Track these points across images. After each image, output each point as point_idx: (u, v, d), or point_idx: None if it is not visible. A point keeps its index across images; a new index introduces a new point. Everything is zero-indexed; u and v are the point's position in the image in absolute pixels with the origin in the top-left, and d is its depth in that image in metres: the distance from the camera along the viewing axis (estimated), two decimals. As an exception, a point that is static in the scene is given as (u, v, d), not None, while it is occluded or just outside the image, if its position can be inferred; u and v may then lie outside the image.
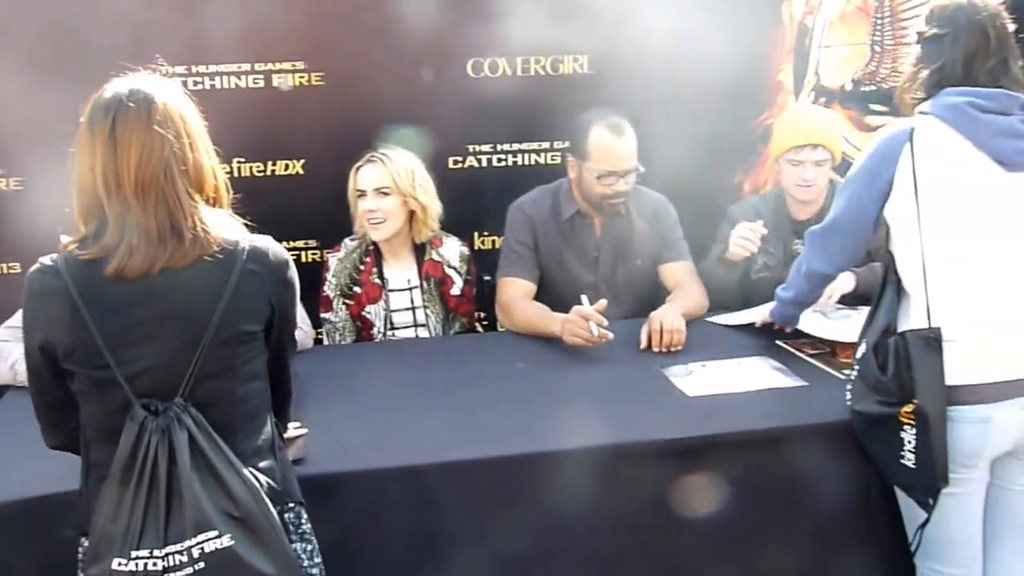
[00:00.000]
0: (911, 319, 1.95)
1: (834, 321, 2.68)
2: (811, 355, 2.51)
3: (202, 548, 1.46)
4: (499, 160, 3.38)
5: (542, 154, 3.40)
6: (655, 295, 2.97)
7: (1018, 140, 1.91)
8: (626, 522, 2.05)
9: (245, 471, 1.53)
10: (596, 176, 2.76)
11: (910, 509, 2.04)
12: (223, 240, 1.55)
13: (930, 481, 1.90)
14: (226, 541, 1.47)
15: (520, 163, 3.39)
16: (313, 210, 3.19)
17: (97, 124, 1.52)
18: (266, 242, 1.61)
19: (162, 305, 1.52)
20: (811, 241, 2.19)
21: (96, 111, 1.53)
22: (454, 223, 3.03)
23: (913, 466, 1.90)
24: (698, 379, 2.37)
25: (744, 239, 2.76)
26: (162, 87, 1.57)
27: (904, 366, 1.90)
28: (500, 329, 2.95)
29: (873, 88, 3.61)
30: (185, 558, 1.46)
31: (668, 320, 2.60)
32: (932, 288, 1.91)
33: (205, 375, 1.53)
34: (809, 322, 2.62)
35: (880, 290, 2.06)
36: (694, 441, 2.07)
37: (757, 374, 2.40)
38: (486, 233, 3.43)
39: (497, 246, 3.40)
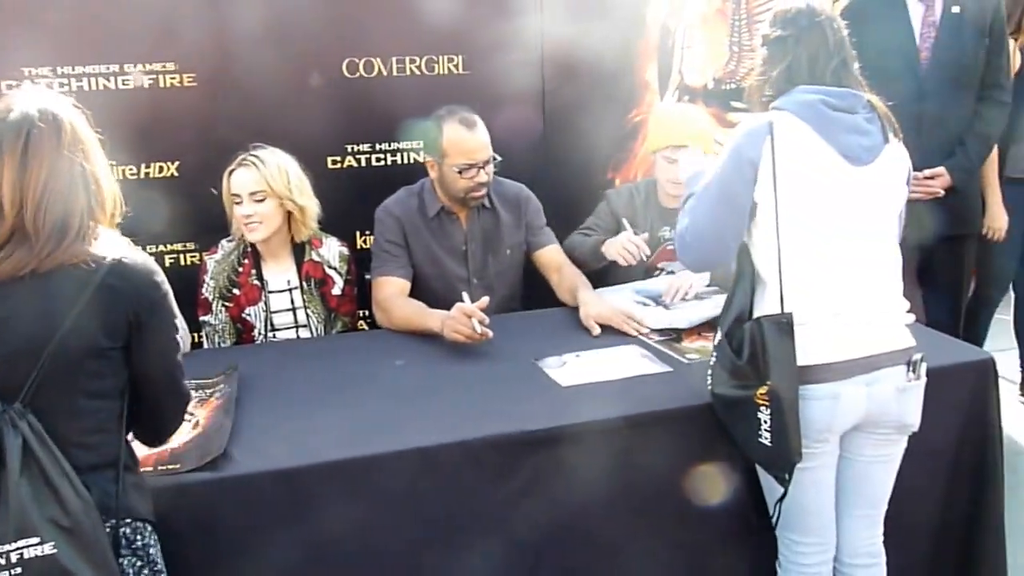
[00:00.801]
0: (766, 305, 2.00)
1: (673, 311, 2.77)
2: (658, 342, 2.57)
3: (21, 554, 1.42)
4: (378, 160, 3.34)
5: (421, 153, 3.33)
6: (522, 282, 3.04)
7: (863, 137, 1.98)
8: (499, 512, 2.06)
9: (78, 482, 1.48)
10: (457, 171, 2.78)
11: (769, 484, 2.10)
12: (93, 253, 1.51)
13: (786, 457, 1.94)
14: (48, 549, 1.43)
15: (399, 162, 3.35)
16: (189, 212, 3.09)
17: (8, 141, 1.51)
18: (135, 259, 1.56)
19: (8, 307, 1.48)
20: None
21: (7, 127, 1.52)
22: (334, 223, 2.98)
23: (770, 444, 1.94)
24: (571, 369, 2.39)
25: (626, 250, 2.83)
26: (66, 107, 1.56)
27: (760, 350, 1.94)
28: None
29: (733, 86, 3.70)
30: (1, 562, 1.41)
31: (606, 308, 2.67)
32: (787, 277, 1.96)
33: (47, 384, 1.49)
34: (651, 316, 2.71)
35: (736, 278, 2.10)
36: (562, 430, 2.07)
37: (627, 362, 2.43)
38: (368, 232, 3.37)
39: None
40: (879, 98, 2.02)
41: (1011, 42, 3.39)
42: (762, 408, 1.93)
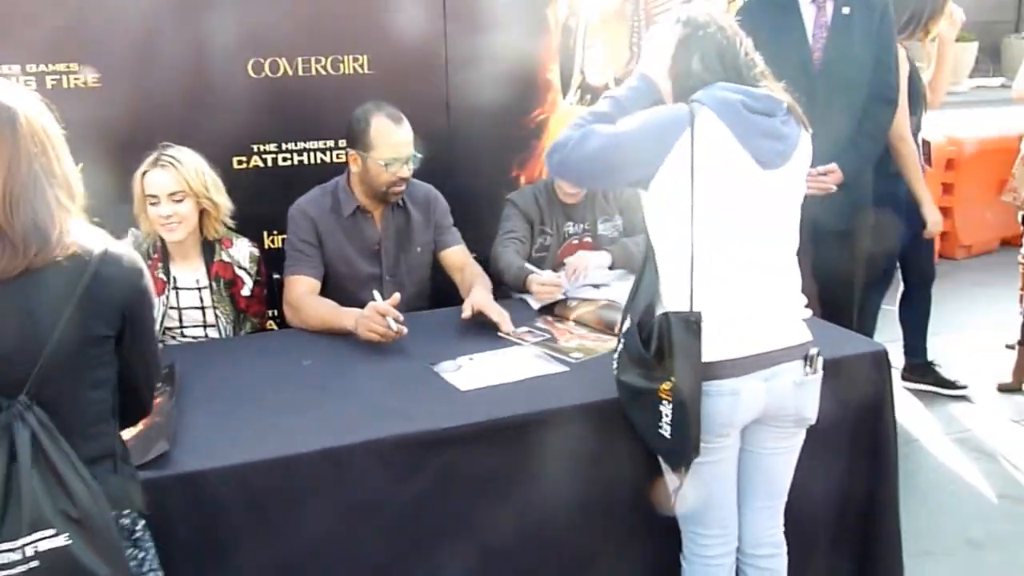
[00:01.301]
0: (672, 300, 1.99)
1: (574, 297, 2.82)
2: (534, 343, 2.57)
3: (36, 547, 1.41)
4: (284, 159, 3.27)
5: (327, 152, 3.32)
6: (430, 281, 3.03)
7: (776, 142, 1.97)
8: (410, 511, 2.03)
9: (86, 473, 1.48)
10: (383, 164, 2.76)
11: (669, 473, 2.10)
12: (79, 245, 1.49)
13: (683, 453, 1.95)
14: (62, 540, 1.42)
15: (307, 162, 3.30)
16: (93, 213, 2.95)
17: None
18: (120, 250, 1.55)
19: (6, 302, 1.45)
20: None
21: None
22: (242, 223, 2.90)
23: (669, 437, 1.94)
24: (468, 373, 2.36)
25: (546, 289, 2.83)
26: (22, 99, 1.51)
27: (666, 345, 1.93)
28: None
29: None
30: (18, 556, 1.40)
31: (489, 303, 2.68)
32: (697, 273, 1.94)
33: (51, 375, 1.47)
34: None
35: (642, 267, 2.09)
36: (471, 428, 2.06)
37: (522, 363, 2.42)
38: (275, 232, 3.31)
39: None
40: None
41: (901, 49, 3.48)
42: (664, 402, 1.93)
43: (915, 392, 4.10)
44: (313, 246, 2.82)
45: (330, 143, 3.30)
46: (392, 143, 2.76)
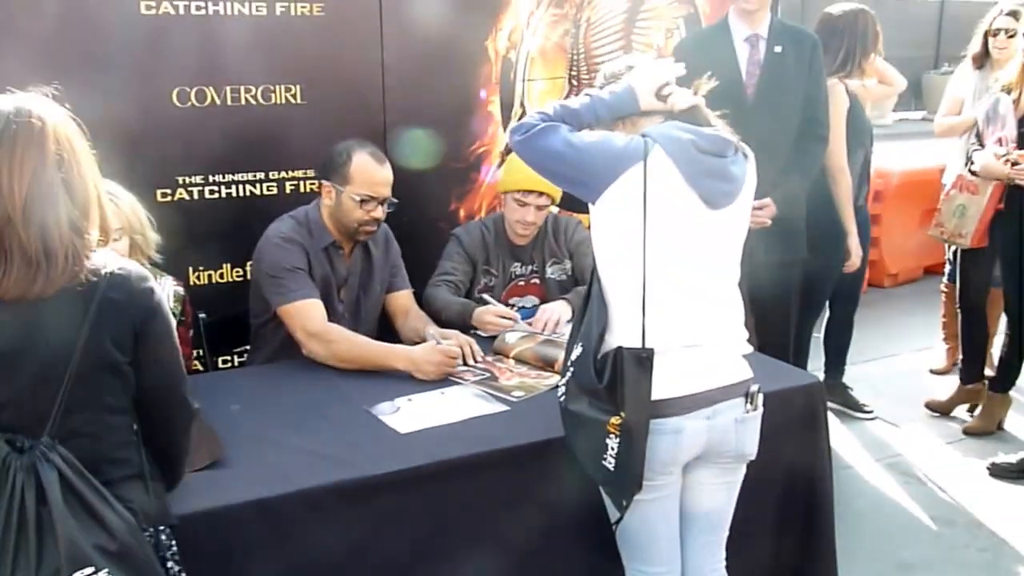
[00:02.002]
0: (622, 332, 1.98)
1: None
2: (474, 382, 2.56)
3: None
4: (211, 192, 3.19)
5: (257, 185, 3.25)
6: (378, 323, 3.00)
7: (724, 183, 1.99)
8: (348, 562, 1.98)
9: (117, 504, 1.49)
10: (358, 200, 2.74)
11: (611, 507, 2.10)
12: (88, 268, 1.49)
13: (626, 486, 1.96)
14: None
15: (235, 195, 3.22)
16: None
17: None
18: (129, 269, 1.55)
19: (19, 337, 1.45)
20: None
21: None
22: (165, 260, 2.79)
23: (613, 469, 1.94)
24: (407, 414, 2.33)
25: (501, 322, 2.86)
26: (51, 108, 1.52)
27: (618, 379, 1.93)
28: (221, 368, 2.77)
29: None
30: None
31: (454, 333, 2.75)
32: (649, 309, 1.95)
33: (71, 408, 1.48)
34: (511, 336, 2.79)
35: (586, 295, 2.08)
36: (412, 472, 2.04)
37: (463, 403, 2.40)
38: (201, 268, 3.22)
39: (213, 280, 3.25)
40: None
41: (840, 84, 3.60)
42: (611, 436, 1.93)
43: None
44: (306, 272, 2.75)
45: (260, 175, 3.24)
46: (371, 181, 2.75)
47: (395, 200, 2.83)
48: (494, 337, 2.85)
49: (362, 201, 2.75)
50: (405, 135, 3.39)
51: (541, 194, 3.01)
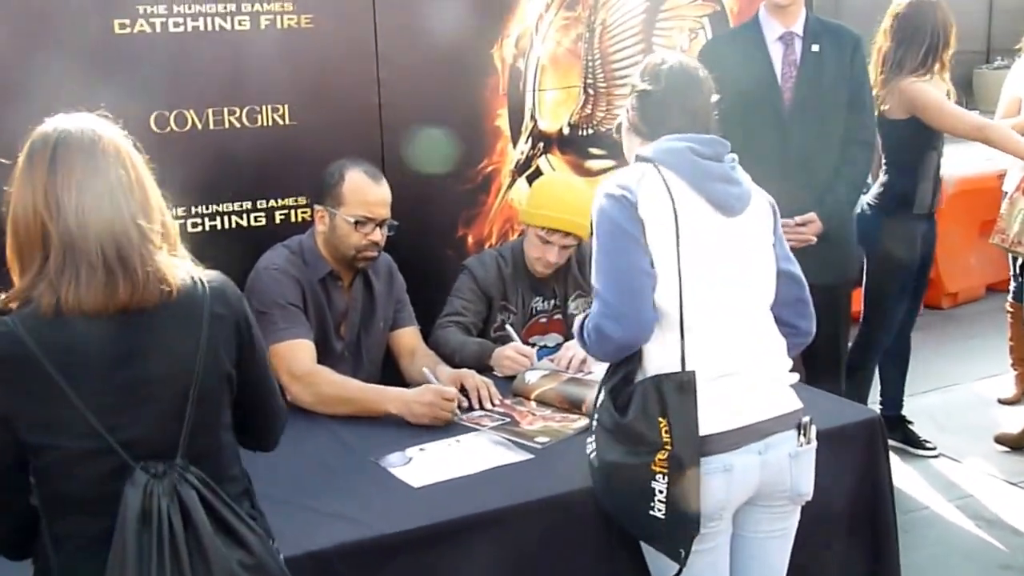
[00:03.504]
0: (657, 362, 2.02)
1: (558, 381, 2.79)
2: (493, 428, 2.57)
3: None
4: (194, 225, 3.19)
5: (244, 216, 3.26)
6: (381, 363, 3.01)
7: (731, 185, 2.07)
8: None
9: (248, 519, 1.64)
10: (352, 223, 2.77)
11: (659, 566, 2.10)
12: (180, 280, 1.60)
13: (683, 530, 1.97)
14: None
15: (220, 227, 3.22)
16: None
17: (37, 152, 1.58)
18: (221, 282, 1.69)
19: (146, 363, 1.57)
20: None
21: (36, 141, 1.59)
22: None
23: (663, 516, 1.95)
24: (419, 466, 2.33)
25: (513, 361, 2.86)
26: (107, 125, 1.65)
27: (654, 411, 1.96)
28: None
29: (591, 132, 3.76)
30: None
31: (470, 374, 2.77)
32: (688, 333, 1.99)
33: (196, 428, 1.61)
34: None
35: None
36: (429, 530, 2.04)
37: (481, 452, 2.41)
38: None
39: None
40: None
41: (916, 80, 3.63)
42: (659, 476, 1.95)
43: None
44: (300, 309, 2.78)
45: (247, 204, 3.25)
46: (367, 200, 2.78)
47: (395, 223, 2.85)
48: (513, 378, 2.86)
49: (357, 223, 2.77)
50: (405, 154, 3.41)
51: (568, 234, 3.02)
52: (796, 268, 2.20)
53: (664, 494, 1.95)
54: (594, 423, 2.13)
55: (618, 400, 2.04)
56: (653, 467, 1.95)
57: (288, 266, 2.82)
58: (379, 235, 2.82)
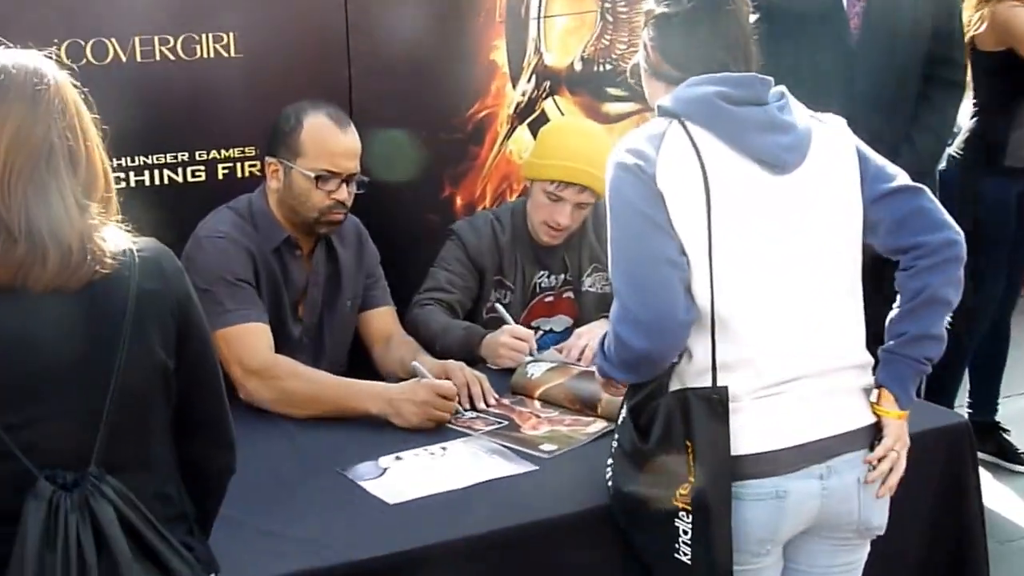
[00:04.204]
0: (689, 373, 2.02)
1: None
2: (487, 432, 2.58)
3: None
4: (116, 180, 3.00)
5: (179, 169, 3.24)
6: (348, 349, 3.07)
7: (780, 133, 2.03)
8: None
9: (178, 544, 1.63)
10: (313, 177, 2.78)
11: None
12: (112, 253, 1.59)
13: None
14: None
15: (148, 183, 3.20)
16: None
17: None
18: (155, 251, 1.68)
19: (54, 349, 1.56)
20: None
21: None
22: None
23: (690, 561, 1.96)
24: (396, 479, 2.33)
25: (513, 351, 2.87)
26: (55, 67, 1.65)
27: (679, 433, 1.97)
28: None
29: (608, 67, 3.76)
30: None
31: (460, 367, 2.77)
32: (723, 333, 1.98)
33: (116, 431, 1.59)
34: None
35: None
36: (407, 557, 2.04)
37: (471, 462, 2.42)
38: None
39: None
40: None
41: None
42: (681, 514, 1.95)
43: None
44: (253, 286, 2.80)
45: (182, 156, 3.24)
46: (330, 151, 2.79)
47: (365, 178, 2.87)
48: (511, 371, 2.86)
49: (319, 178, 2.79)
50: (378, 94, 3.40)
51: (584, 188, 3.01)
52: (904, 179, 2.15)
53: (689, 535, 1.96)
54: (614, 444, 2.14)
55: (640, 419, 2.05)
56: (675, 501, 1.97)
57: (235, 232, 2.82)
58: (345, 193, 2.83)
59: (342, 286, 2.97)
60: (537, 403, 2.75)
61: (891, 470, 2.09)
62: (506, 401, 2.76)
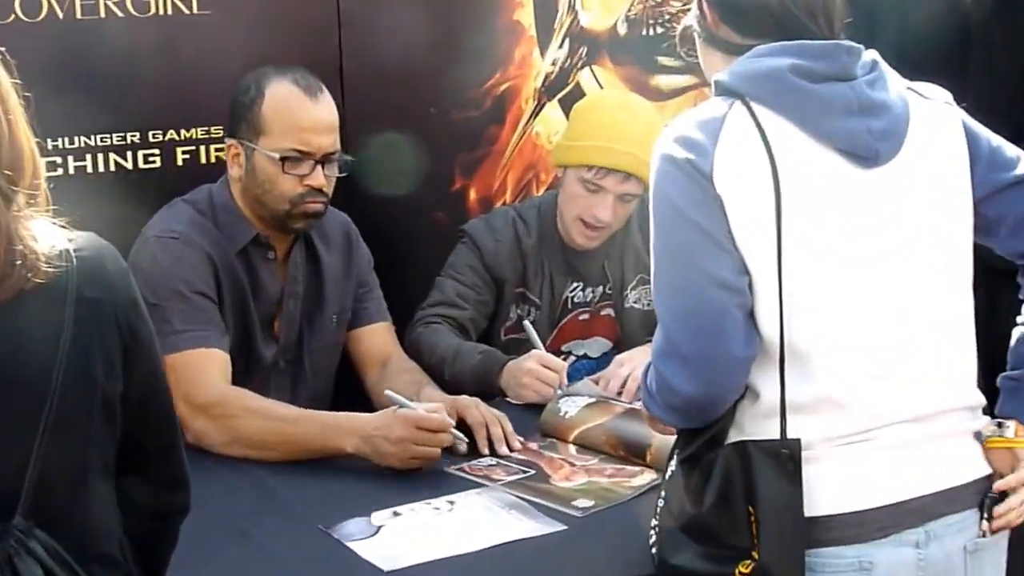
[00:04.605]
0: (752, 417, 1.98)
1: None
2: (509, 484, 2.55)
3: None
4: (54, 167, 3.12)
5: (130, 153, 3.23)
6: (335, 373, 3.10)
7: (870, 117, 1.96)
8: None
9: None
10: (279, 159, 2.77)
11: None
12: (47, 257, 1.57)
13: None
14: None
15: (92, 169, 3.19)
16: None
17: None
18: (96, 249, 1.66)
19: None
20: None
21: None
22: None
23: None
24: (391, 539, 2.31)
25: (542, 381, 2.84)
26: None
27: (740, 496, 1.93)
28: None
29: (660, 30, 3.76)
30: None
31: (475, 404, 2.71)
32: (792, 370, 1.93)
33: (50, 473, 1.57)
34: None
35: None
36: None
37: (486, 521, 2.40)
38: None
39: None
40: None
41: None
42: None
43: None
44: (212, 301, 2.78)
45: (133, 137, 3.23)
46: (299, 125, 2.76)
47: (349, 158, 2.87)
48: (538, 408, 2.81)
49: (285, 160, 2.75)
50: (374, 62, 3.41)
51: (629, 176, 2.97)
52: None
53: None
54: (660, 502, 2.10)
55: (692, 475, 2.02)
56: None
57: (192, 232, 2.80)
58: (322, 178, 2.79)
59: (325, 297, 2.97)
60: (572, 448, 2.71)
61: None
62: (533, 445, 2.74)
